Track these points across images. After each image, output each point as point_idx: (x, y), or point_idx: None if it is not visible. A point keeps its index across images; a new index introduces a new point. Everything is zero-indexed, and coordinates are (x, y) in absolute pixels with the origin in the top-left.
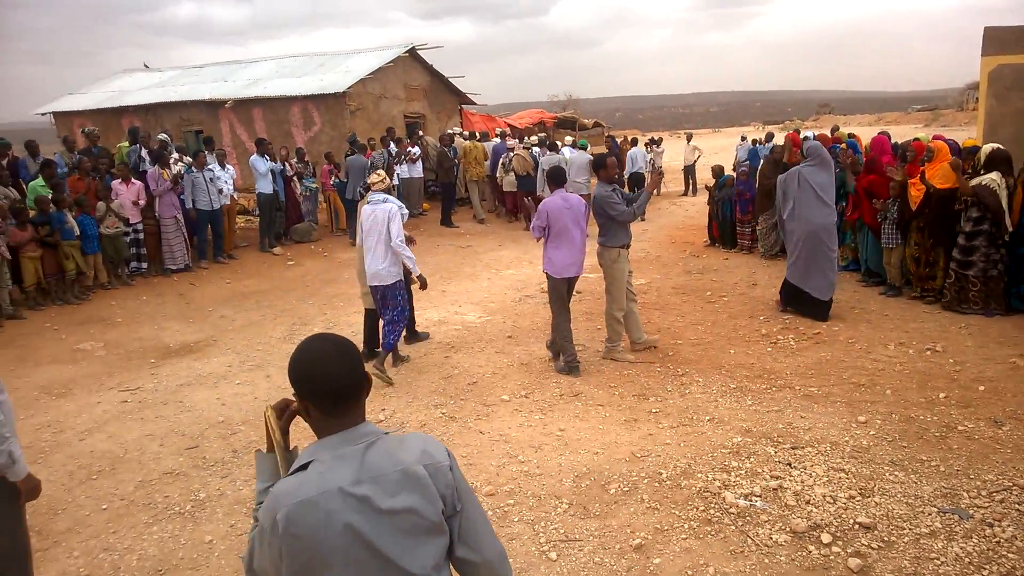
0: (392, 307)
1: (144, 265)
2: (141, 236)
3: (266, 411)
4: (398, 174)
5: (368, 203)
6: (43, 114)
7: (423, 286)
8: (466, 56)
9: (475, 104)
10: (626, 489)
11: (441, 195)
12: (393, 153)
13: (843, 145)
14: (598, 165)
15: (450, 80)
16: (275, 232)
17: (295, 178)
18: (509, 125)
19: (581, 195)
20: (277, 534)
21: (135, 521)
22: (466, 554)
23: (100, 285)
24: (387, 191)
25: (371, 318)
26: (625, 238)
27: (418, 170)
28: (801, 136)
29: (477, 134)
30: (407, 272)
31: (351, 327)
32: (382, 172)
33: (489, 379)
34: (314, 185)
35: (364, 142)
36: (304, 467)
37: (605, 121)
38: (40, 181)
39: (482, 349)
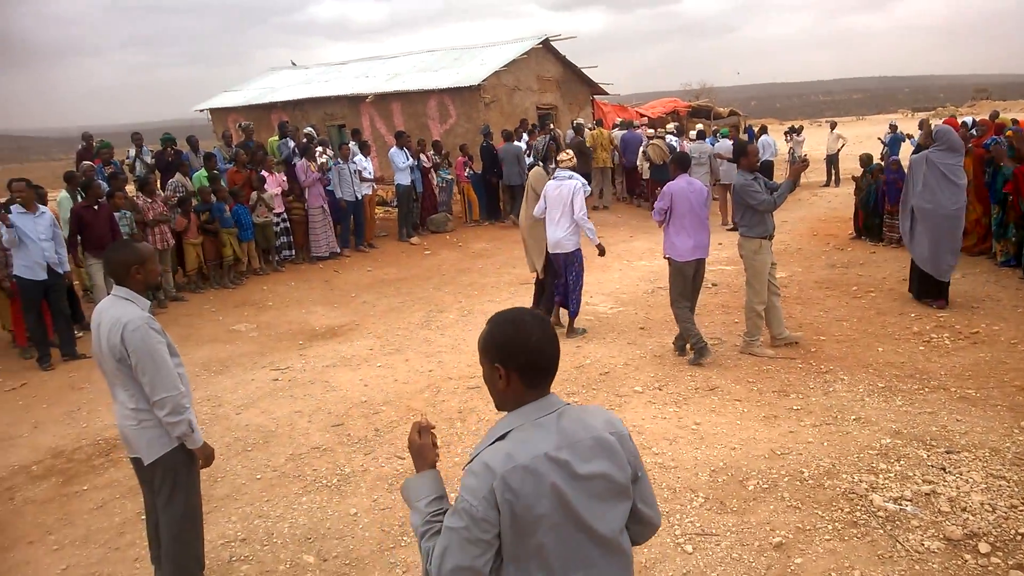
0: (572, 273)
1: (292, 253)
2: (289, 225)
3: (412, 437)
4: (531, 165)
5: (554, 179)
6: (201, 111)
7: (601, 252)
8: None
9: (607, 94)
10: (765, 486)
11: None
12: (527, 144)
13: (1009, 132)
14: (739, 153)
15: (582, 71)
16: (412, 222)
17: (432, 170)
18: (641, 114)
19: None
20: (493, 504)
21: (286, 491)
22: (647, 512)
23: (253, 271)
24: (572, 169)
25: (541, 287)
26: (767, 228)
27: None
28: (959, 123)
29: (603, 121)
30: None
31: (484, 314)
32: (571, 151)
33: (621, 370)
34: (449, 176)
35: (500, 133)
36: (502, 438)
37: (741, 110)
38: (203, 173)
39: (614, 340)
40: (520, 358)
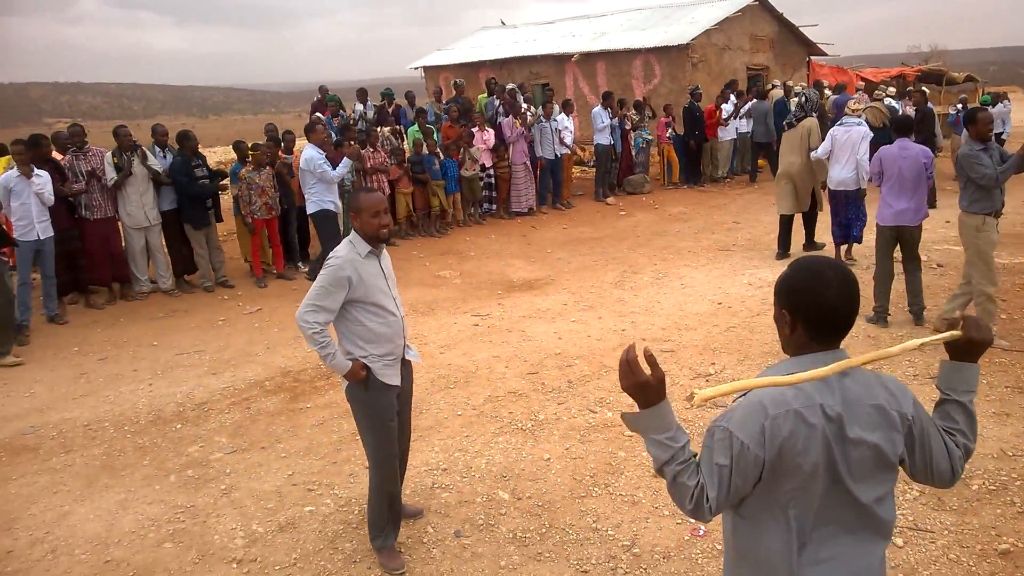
0: (855, 208)
1: (494, 207)
2: (493, 180)
3: (636, 368)
4: (736, 128)
5: (841, 125)
6: (415, 68)
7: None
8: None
9: (826, 55)
10: (992, 488)
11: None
12: (734, 107)
13: None
14: (968, 120)
15: (800, 29)
16: (609, 183)
17: (631, 130)
18: (861, 78)
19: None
20: (762, 443)
21: (484, 430)
22: (930, 479)
23: (456, 222)
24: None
25: (787, 223)
26: (992, 203)
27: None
28: None
29: (822, 84)
30: None
31: (680, 278)
32: (864, 95)
33: None
34: (649, 137)
35: (700, 94)
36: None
37: (978, 75)
38: (415, 127)
39: None
40: (810, 310)
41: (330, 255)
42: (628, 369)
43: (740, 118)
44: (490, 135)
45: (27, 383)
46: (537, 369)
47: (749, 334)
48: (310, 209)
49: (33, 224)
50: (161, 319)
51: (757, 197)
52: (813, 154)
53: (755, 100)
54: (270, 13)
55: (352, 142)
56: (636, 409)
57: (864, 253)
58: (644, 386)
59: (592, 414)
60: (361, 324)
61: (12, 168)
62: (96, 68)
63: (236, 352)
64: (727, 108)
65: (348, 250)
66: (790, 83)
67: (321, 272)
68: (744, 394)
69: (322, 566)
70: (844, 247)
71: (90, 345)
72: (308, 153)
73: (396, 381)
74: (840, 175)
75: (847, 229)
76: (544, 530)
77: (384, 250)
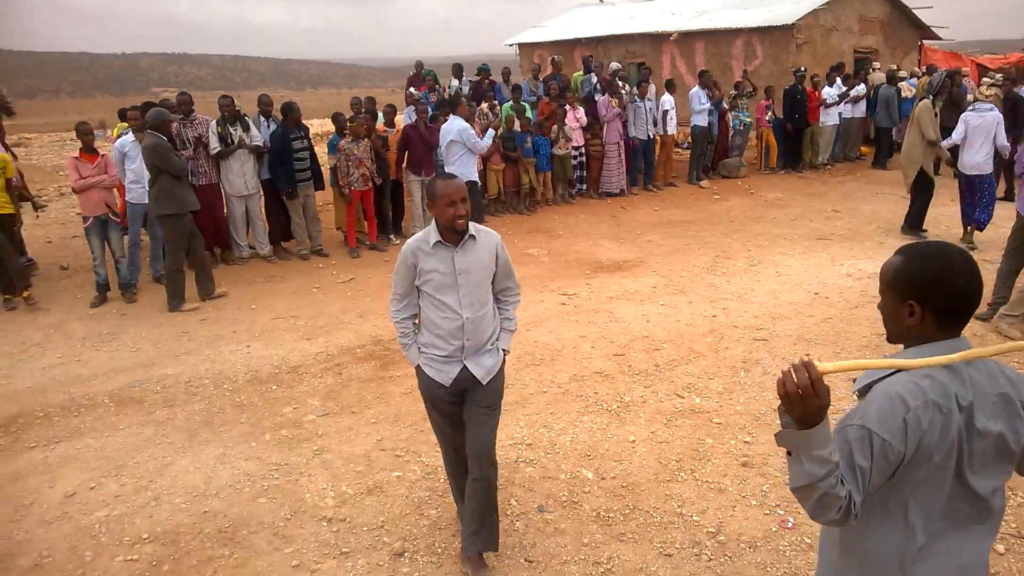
0: (985, 193)
1: (584, 186)
2: (584, 159)
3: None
4: (840, 112)
5: (973, 111)
6: (510, 45)
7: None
8: None
9: (939, 39)
10: None
11: (879, 137)
12: (842, 91)
13: None
14: None
15: (912, 12)
16: (704, 165)
17: (728, 112)
18: (977, 64)
19: None
20: (903, 438)
21: (569, 408)
22: None
23: (546, 200)
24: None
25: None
26: None
27: (860, 110)
28: None
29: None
30: None
31: (775, 266)
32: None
33: None
34: (748, 120)
35: (809, 78)
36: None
37: None
38: (510, 104)
39: None
40: (942, 300)
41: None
42: (813, 392)
43: (846, 103)
44: (582, 114)
45: (133, 339)
46: (624, 351)
47: (846, 326)
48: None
49: (145, 187)
50: (259, 284)
51: (859, 185)
52: (947, 140)
53: (862, 85)
54: None
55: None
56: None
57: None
58: (822, 408)
59: (680, 399)
60: (422, 309)
61: (126, 133)
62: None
63: (329, 319)
64: (830, 92)
65: (417, 238)
66: (893, 67)
67: (396, 268)
68: (866, 386)
69: (408, 530)
70: (971, 230)
71: (193, 305)
72: (460, 124)
73: (443, 380)
74: (974, 160)
75: (977, 213)
76: (628, 511)
77: (470, 244)
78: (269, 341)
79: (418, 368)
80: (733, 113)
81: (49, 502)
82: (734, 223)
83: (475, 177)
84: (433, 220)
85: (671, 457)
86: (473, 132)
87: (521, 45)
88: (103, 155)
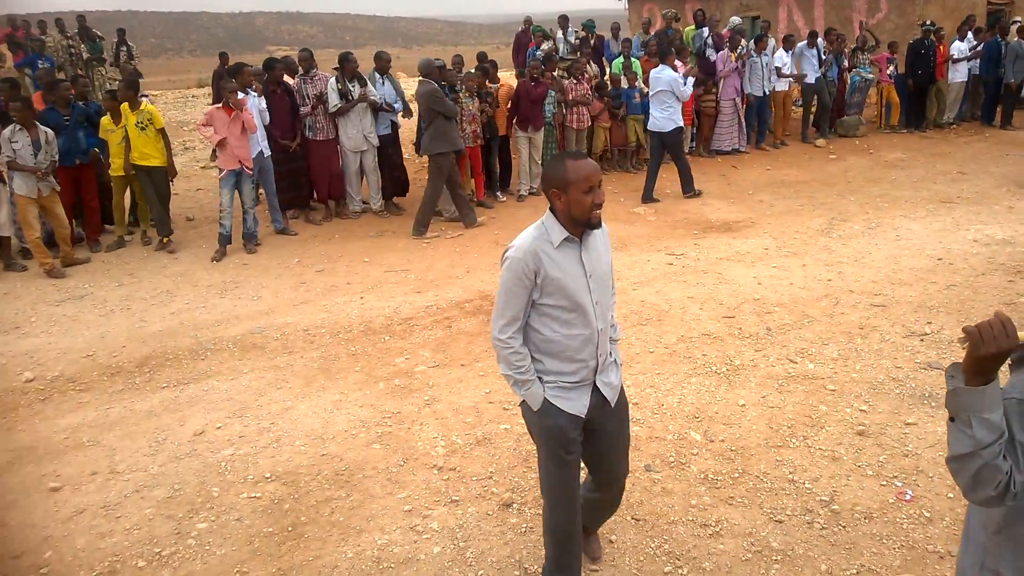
0: None
1: (694, 144)
2: (695, 117)
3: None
4: (970, 69)
5: None
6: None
7: None
8: None
9: None
10: None
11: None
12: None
13: None
14: None
15: None
16: (820, 124)
17: (848, 68)
18: None
19: None
20: None
21: (676, 369)
22: None
23: (646, 160)
24: None
25: None
26: None
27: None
28: None
29: None
30: None
31: (895, 230)
32: None
33: None
34: (870, 75)
35: (936, 32)
36: None
37: None
38: (620, 60)
39: None
40: None
41: (508, 249)
42: (1004, 331)
43: (971, 60)
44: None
45: (255, 288)
46: (734, 313)
47: (972, 294)
48: (667, 127)
49: (258, 142)
50: (372, 238)
51: (987, 146)
52: None
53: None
54: None
55: (554, 73)
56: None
57: None
58: (1004, 356)
59: (792, 364)
60: (536, 330)
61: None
62: None
63: (439, 273)
64: (960, 46)
65: (534, 238)
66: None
67: (504, 281)
68: (1020, 355)
69: (516, 482)
70: None
71: (309, 257)
72: (669, 74)
73: (576, 410)
74: None
75: None
76: (737, 475)
77: (596, 236)
78: (381, 294)
79: (543, 405)
80: (854, 69)
81: (179, 439)
82: (851, 184)
83: (681, 123)
84: (549, 211)
85: (782, 423)
86: (682, 81)
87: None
88: (238, 112)
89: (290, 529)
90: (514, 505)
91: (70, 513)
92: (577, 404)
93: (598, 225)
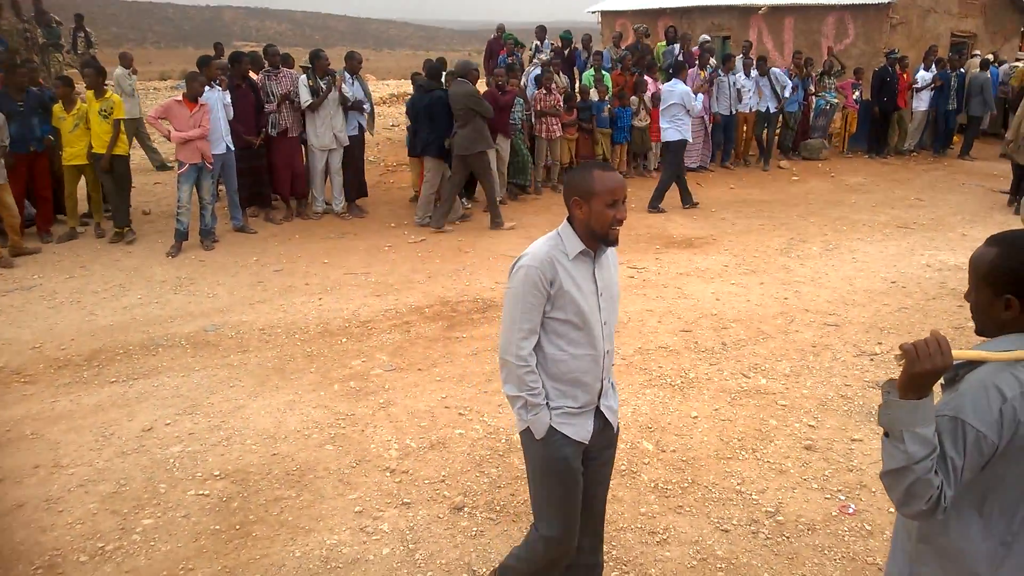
0: None
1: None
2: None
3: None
4: (931, 98)
5: None
6: (592, 12)
7: None
8: None
9: None
10: None
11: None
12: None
13: None
14: None
15: None
16: (784, 146)
17: (815, 92)
18: None
19: None
20: (999, 430)
21: (632, 380)
22: None
23: (621, 173)
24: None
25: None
26: None
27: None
28: None
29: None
30: None
31: (852, 252)
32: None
33: None
34: (835, 100)
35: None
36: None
37: None
38: (590, 72)
39: None
40: None
41: (520, 257)
42: (939, 349)
43: (933, 89)
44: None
45: (210, 285)
46: (691, 327)
47: (923, 317)
48: (673, 137)
49: (221, 137)
50: (333, 239)
51: (945, 175)
52: None
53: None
54: None
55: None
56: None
57: None
58: (938, 373)
59: (745, 379)
60: (540, 349)
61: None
62: None
63: (399, 278)
64: (924, 76)
65: (549, 247)
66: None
67: (516, 292)
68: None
69: (468, 486)
70: None
71: (268, 256)
72: (682, 88)
73: (582, 436)
74: None
75: None
76: (686, 484)
77: (608, 253)
78: (340, 295)
79: (548, 433)
80: (820, 94)
81: (127, 435)
82: (812, 206)
83: (690, 137)
84: (566, 222)
85: (733, 435)
86: (693, 95)
87: (603, 13)
88: (202, 104)
89: (238, 527)
90: (465, 509)
91: (10, 506)
92: (582, 430)
93: (615, 242)
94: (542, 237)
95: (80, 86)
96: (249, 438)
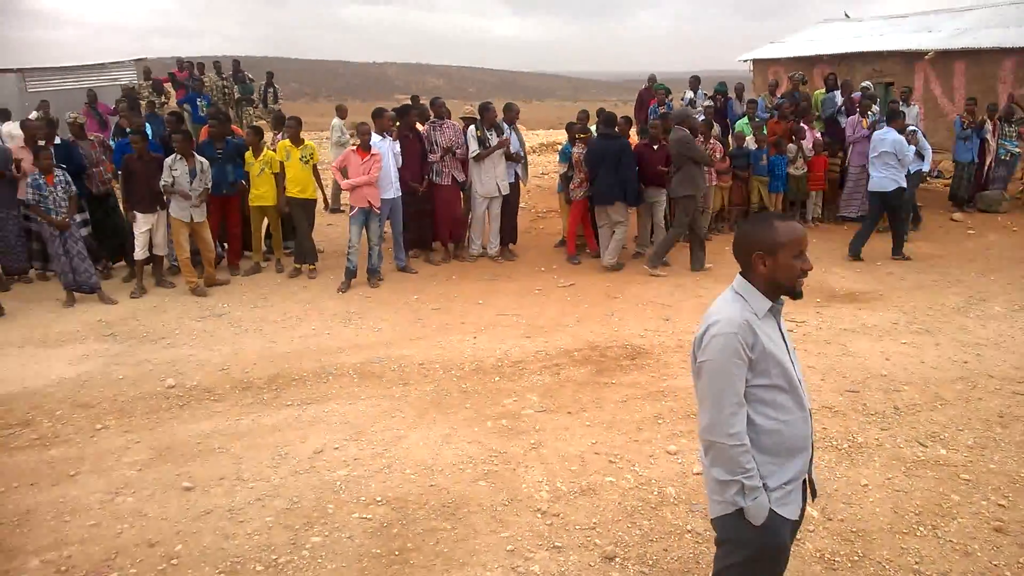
0: None
1: (821, 210)
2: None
3: None
4: None
5: None
6: (744, 61)
7: None
8: None
9: None
10: None
11: None
12: None
13: None
14: None
15: None
16: (959, 197)
17: (994, 141)
18: None
19: None
20: None
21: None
22: None
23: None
24: None
25: None
26: None
27: None
28: None
29: None
30: None
31: None
32: None
33: None
34: (1017, 150)
35: None
36: None
37: None
38: (744, 120)
39: None
40: None
41: (713, 323)
42: None
43: None
44: (817, 135)
45: (375, 320)
46: (858, 388)
47: None
48: (888, 187)
49: (391, 183)
50: (486, 281)
51: None
52: None
53: None
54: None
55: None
56: None
57: None
58: None
59: (922, 447)
60: (750, 423)
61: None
62: (440, 51)
63: (549, 320)
64: None
65: (740, 309)
66: None
67: (719, 363)
68: None
69: (619, 536)
70: None
71: (427, 295)
72: (894, 135)
73: (797, 514)
74: None
75: None
76: (856, 558)
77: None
78: (493, 335)
79: (768, 518)
80: (999, 141)
81: (300, 455)
82: (992, 262)
83: (904, 184)
84: (740, 278)
85: (909, 508)
86: (905, 144)
87: (755, 61)
88: (373, 153)
89: (397, 553)
90: (617, 559)
91: (199, 512)
92: (796, 507)
93: (801, 294)
94: (721, 300)
95: (268, 136)
96: (408, 467)
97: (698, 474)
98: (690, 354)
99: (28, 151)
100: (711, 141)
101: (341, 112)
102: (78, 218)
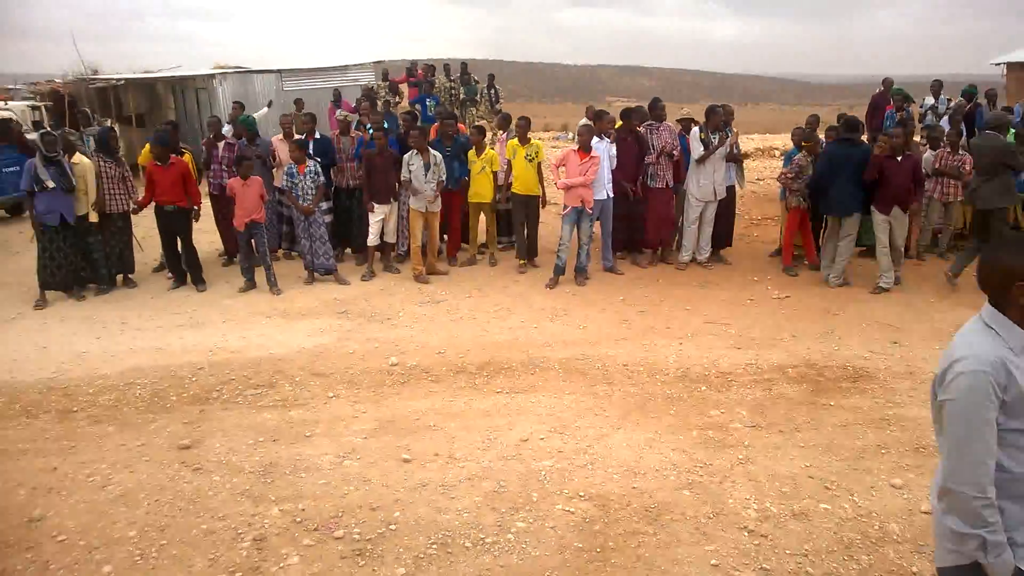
0: None
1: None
2: None
3: None
4: None
5: None
6: (997, 64)
7: None
8: None
9: None
10: None
11: None
12: None
13: None
14: None
15: None
16: None
17: None
18: None
19: None
20: None
21: None
22: None
23: None
24: None
25: None
26: None
27: None
28: None
29: None
30: None
31: None
32: None
33: None
34: None
35: None
36: None
37: None
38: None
39: None
40: None
41: (958, 360)
42: None
43: None
44: None
45: (581, 318)
46: None
47: None
48: None
49: (603, 185)
50: (694, 287)
51: None
52: None
53: None
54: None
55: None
56: None
57: None
58: None
59: None
60: (998, 467)
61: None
62: (655, 53)
63: (761, 332)
64: None
65: (993, 345)
66: None
67: (966, 406)
68: None
69: (834, 568)
70: None
71: (633, 297)
72: None
73: None
74: None
75: None
76: None
77: None
78: (700, 343)
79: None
80: None
81: (507, 441)
82: None
83: None
84: (991, 309)
85: None
86: None
87: (1010, 64)
88: (593, 156)
89: (598, 550)
90: None
91: (416, 484)
92: None
93: None
94: (968, 332)
95: (489, 135)
96: (611, 466)
97: (926, 513)
98: (930, 392)
99: (285, 143)
100: (959, 152)
101: (589, 113)
102: (324, 206)
